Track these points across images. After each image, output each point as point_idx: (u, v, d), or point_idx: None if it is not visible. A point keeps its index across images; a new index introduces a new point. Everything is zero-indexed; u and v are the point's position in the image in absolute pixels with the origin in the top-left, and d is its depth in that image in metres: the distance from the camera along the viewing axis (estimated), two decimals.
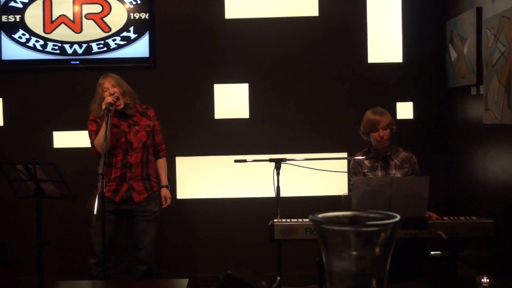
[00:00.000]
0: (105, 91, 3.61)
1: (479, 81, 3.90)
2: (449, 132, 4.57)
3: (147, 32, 4.56)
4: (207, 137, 4.61)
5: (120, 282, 3.78)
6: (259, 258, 4.36)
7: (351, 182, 3.45)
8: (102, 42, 4.57)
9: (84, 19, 4.56)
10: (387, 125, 3.59)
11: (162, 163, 3.88)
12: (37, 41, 4.56)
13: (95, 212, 3.14)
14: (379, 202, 3.11)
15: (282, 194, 3.47)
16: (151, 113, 3.78)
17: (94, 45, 4.57)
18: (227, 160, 4.42)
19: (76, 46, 4.57)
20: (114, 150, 3.63)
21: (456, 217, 3.26)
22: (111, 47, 4.57)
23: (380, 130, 3.58)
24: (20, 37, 4.57)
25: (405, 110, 4.59)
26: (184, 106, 4.62)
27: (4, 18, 4.57)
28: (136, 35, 4.56)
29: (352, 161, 3.73)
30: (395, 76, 4.59)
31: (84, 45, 4.57)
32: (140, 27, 4.56)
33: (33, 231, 3.63)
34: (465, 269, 4.14)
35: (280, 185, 3.44)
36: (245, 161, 3.65)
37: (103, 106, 3.49)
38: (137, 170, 3.68)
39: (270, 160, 3.53)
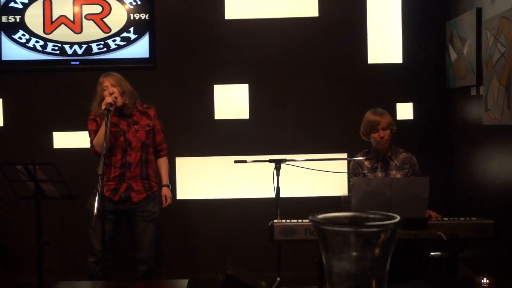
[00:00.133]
0: (105, 90, 3.62)
1: (479, 81, 3.90)
2: (449, 132, 4.57)
3: (147, 33, 4.56)
4: (207, 137, 4.61)
5: (120, 282, 3.79)
6: (259, 259, 4.36)
7: (351, 183, 3.45)
8: (102, 42, 4.57)
9: (84, 20, 4.56)
10: (387, 126, 3.60)
11: (163, 162, 3.87)
12: (37, 41, 4.57)
13: (95, 213, 3.14)
14: (379, 203, 3.11)
15: (282, 195, 3.48)
16: (151, 112, 3.78)
17: (94, 45, 4.57)
18: (227, 161, 4.42)
19: (76, 47, 4.57)
20: (113, 149, 3.63)
21: (456, 218, 3.27)
22: (111, 48, 4.57)
23: (380, 131, 3.58)
24: (20, 38, 4.57)
25: (405, 111, 4.59)
26: (184, 106, 4.62)
27: (4, 19, 4.57)
28: (136, 35, 4.57)
29: (352, 161, 3.73)
30: (395, 77, 4.59)
31: (84, 46, 4.57)
32: (140, 28, 4.57)
33: (33, 231, 3.63)
34: (465, 270, 4.14)
35: (280, 185, 3.44)
36: (245, 161, 3.65)
37: (103, 106, 3.50)
38: (136, 170, 3.68)
39: (270, 161, 3.53)
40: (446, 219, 3.27)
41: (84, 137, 4.02)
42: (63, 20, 4.57)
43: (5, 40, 4.57)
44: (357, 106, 4.36)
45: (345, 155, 4.41)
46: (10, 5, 4.57)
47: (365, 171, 3.66)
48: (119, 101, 3.60)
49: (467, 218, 3.24)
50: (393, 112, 4.38)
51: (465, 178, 4.30)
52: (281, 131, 4.61)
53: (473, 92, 4.05)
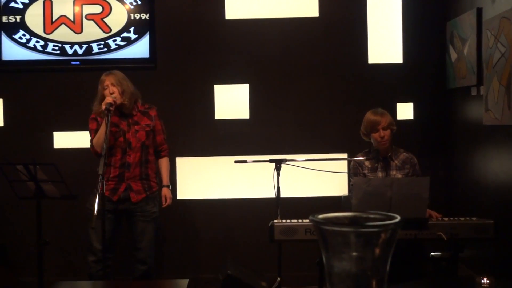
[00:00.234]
0: (105, 88, 3.62)
1: (479, 81, 3.90)
2: (449, 132, 4.57)
3: (148, 33, 4.56)
4: (208, 137, 4.61)
5: (120, 282, 3.79)
6: (259, 259, 4.36)
7: (351, 183, 3.45)
8: (103, 42, 4.57)
9: (84, 20, 4.56)
10: (388, 126, 3.60)
11: (163, 163, 3.87)
12: (37, 41, 4.57)
13: (95, 212, 3.15)
14: (379, 203, 3.11)
15: (282, 195, 3.48)
16: (152, 113, 3.78)
17: (94, 45, 4.57)
18: (228, 161, 4.42)
19: (76, 47, 4.57)
20: (113, 149, 3.63)
21: (456, 218, 3.27)
22: (111, 48, 4.57)
23: (381, 131, 3.58)
24: (20, 38, 4.57)
25: (405, 111, 4.59)
26: (184, 106, 4.62)
27: (4, 19, 4.57)
28: (137, 35, 4.57)
29: (352, 161, 3.73)
30: (395, 77, 4.59)
31: (85, 46, 4.57)
32: (140, 28, 4.57)
33: (33, 231, 3.63)
34: (465, 270, 4.13)
35: (280, 185, 3.44)
36: (245, 161, 3.65)
37: (103, 106, 3.50)
38: (136, 170, 3.68)
39: (271, 161, 3.53)
40: (446, 219, 3.27)
41: (84, 137, 4.02)
42: (63, 20, 4.57)
43: (5, 40, 4.57)
44: (357, 106, 4.36)
45: (345, 155, 4.41)
46: (10, 5, 4.57)
47: (366, 171, 3.66)
48: (118, 101, 3.60)
49: (467, 218, 3.24)
50: (393, 112, 4.38)
51: (465, 178, 4.30)
52: (281, 131, 4.61)
53: (474, 92, 4.05)
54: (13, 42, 4.57)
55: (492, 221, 3.19)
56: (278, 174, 3.45)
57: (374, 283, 1.00)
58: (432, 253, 3.55)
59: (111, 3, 4.56)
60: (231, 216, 4.64)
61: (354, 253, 0.99)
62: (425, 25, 4.58)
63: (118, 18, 4.56)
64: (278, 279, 3.35)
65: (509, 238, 3.44)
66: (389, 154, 3.66)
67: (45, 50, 4.57)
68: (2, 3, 4.56)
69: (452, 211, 4.24)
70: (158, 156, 3.84)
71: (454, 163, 4.50)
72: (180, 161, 4.61)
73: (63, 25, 4.57)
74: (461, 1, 4.27)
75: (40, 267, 3.59)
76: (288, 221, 3.25)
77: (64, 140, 4.62)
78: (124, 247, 3.91)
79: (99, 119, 3.67)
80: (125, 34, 4.57)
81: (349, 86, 4.61)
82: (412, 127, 4.57)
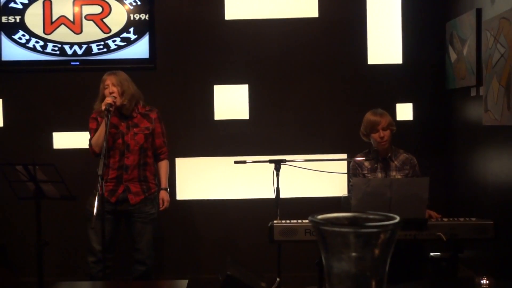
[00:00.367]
0: (106, 88, 3.63)
1: (479, 82, 3.90)
2: (449, 133, 4.57)
3: (147, 33, 4.56)
4: (207, 138, 4.61)
5: (120, 283, 3.79)
6: (259, 259, 4.36)
7: (351, 183, 3.45)
8: (102, 43, 4.57)
9: (84, 20, 4.56)
10: (387, 126, 3.60)
11: (162, 166, 3.86)
12: (37, 42, 4.57)
13: (94, 213, 3.15)
14: (379, 203, 3.11)
15: (281, 195, 3.48)
16: (153, 115, 3.77)
17: (94, 46, 4.57)
18: (227, 161, 4.42)
19: (76, 47, 4.57)
20: (111, 151, 3.63)
21: (456, 219, 3.27)
22: (111, 48, 4.57)
23: (380, 131, 3.58)
24: (20, 38, 4.57)
25: (405, 112, 4.59)
26: (184, 107, 4.62)
27: (4, 19, 4.57)
28: (136, 36, 4.57)
29: (352, 162, 3.73)
30: (395, 78, 4.59)
31: (84, 46, 4.57)
32: (140, 28, 4.57)
33: (33, 231, 3.63)
34: (465, 271, 4.13)
35: (279, 186, 3.44)
36: (245, 162, 3.64)
37: (103, 107, 3.50)
38: (134, 172, 3.68)
39: (270, 161, 3.53)
40: (446, 219, 3.27)
41: (84, 138, 4.02)
42: (63, 20, 4.57)
43: (5, 40, 4.57)
44: (357, 107, 4.36)
45: (345, 156, 4.41)
46: (10, 5, 4.57)
47: (365, 172, 3.66)
48: (118, 101, 3.60)
49: (467, 219, 3.24)
50: (393, 113, 4.38)
51: (465, 179, 4.30)
52: (281, 131, 4.61)
53: (473, 92, 4.05)
54: (12, 42, 4.57)
55: (491, 222, 3.19)
56: (277, 175, 3.45)
57: (373, 283, 1.00)
58: (431, 254, 3.54)
59: (110, 4, 4.56)
60: (231, 217, 4.64)
61: (354, 254, 0.99)
62: (424, 26, 4.58)
63: (117, 18, 4.56)
64: (278, 279, 3.36)
65: (509, 239, 3.44)
66: (389, 154, 3.66)
67: (45, 51, 4.57)
68: (1, 3, 4.56)
69: (452, 211, 4.24)
70: (157, 159, 3.83)
71: (454, 164, 4.50)
72: (180, 162, 4.61)
73: (62, 26, 4.57)
74: (460, 2, 4.27)
75: (40, 267, 3.59)
76: (288, 221, 3.25)
77: (63, 140, 4.62)
78: (123, 248, 3.91)
79: (99, 118, 3.67)
80: (124, 35, 4.57)
81: (348, 86, 4.61)
82: (411, 127, 4.57)
